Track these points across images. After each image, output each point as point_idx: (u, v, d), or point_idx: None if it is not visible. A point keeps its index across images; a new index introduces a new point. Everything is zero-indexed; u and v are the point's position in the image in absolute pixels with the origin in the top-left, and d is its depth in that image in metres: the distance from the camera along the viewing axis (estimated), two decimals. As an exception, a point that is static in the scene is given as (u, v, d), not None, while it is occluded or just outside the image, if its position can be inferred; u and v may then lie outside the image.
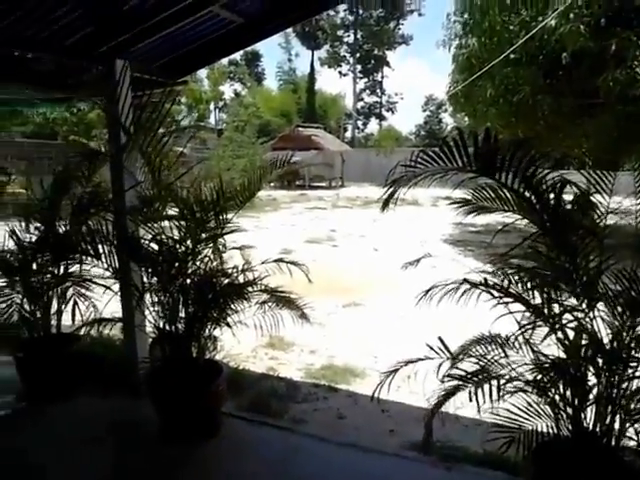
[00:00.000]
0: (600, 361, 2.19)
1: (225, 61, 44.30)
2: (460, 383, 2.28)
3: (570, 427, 2.32)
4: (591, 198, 2.27)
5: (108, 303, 3.84)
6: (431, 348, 2.51)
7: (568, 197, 2.21)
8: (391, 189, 2.14)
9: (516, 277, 2.43)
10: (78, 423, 3.56)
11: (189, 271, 3.35)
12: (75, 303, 4.04)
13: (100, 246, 3.42)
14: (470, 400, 2.16)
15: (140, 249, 3.34)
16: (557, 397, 2.29)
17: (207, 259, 3.38)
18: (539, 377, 2.29)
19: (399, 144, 34.24)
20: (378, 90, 52.11)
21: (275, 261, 3.55)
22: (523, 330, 2.34)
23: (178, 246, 3.31)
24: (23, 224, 3.99)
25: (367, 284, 7.65)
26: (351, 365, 4.60)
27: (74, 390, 3.86)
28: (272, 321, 3.46)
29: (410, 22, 59.36)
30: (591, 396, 2.27)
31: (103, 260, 3.43)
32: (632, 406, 2.17)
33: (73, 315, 3.97)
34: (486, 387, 2.23)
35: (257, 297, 3.41)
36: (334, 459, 3.12)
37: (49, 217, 3.99)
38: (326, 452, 3.19)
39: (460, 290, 2.55)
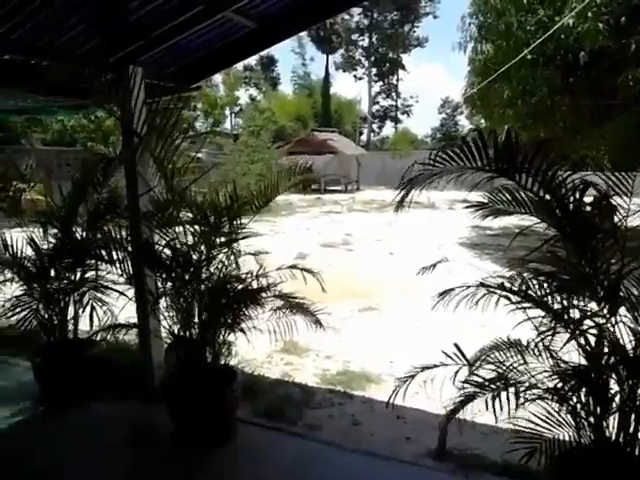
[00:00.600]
0: (623, 368, 2.12)
1: (240, 66, 44.69)
2: (477, 390, 2.23)
3: (592, 436, 2.25)
4: (611, 200, 2.21)
5: (124, 308, 3.88)
6: (447, 355, 2.46)
7: (587, 199, 2.15)
8: (406, 189, 2.11)
9: (535, 281, 2.37)
10: (94, 428, 3.58)
11: (203, 276, 3.35)
12: (92, 308, 4.07)
13: (115, 252, 3.45)
14: (487, 408, 2.11)
15: (154, 255, 3.36)
16: (578, 405, 2.22)
17: (221, 264, 3.38)
18: (559, 385, 2.22)
19: (415, 147, 34.01)
20: (393, 93, 51.96)
21: (289, 267, 3.53)
22: (543, 336, 2.27)
23: (192, 251, 3.32)
24: (41, 231, 4.05)
25: (383, 288, 7.59)
26: (367, 370, 4.55)
27: (90, 395, 3.89)
28: (287, 326, 3.45)
29: (425, 24, 59.22)
30: (614, 404, 2.19)
31: (117, 266, 3.45)
32: (657, 415, 2.09)
33: (91, 320, 4.01)
34: (504, 395, 2.18)
35: (271, 303, 3.40)
36: (349, 466, 3.08)
37: (66, 224, 4.04)
38: (341, 459, 3.15)
39: (477, 295, 2.51)
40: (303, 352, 5.06)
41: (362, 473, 3.02)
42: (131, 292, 3.69)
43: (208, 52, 3.98)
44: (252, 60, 47.85)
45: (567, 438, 2.31)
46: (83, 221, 4.06)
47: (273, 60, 49.88)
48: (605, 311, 2.13)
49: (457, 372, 2.41)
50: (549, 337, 2.30)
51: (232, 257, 3.42)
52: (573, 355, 2.26)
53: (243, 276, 3.35)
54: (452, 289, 2.70)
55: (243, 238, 3.40)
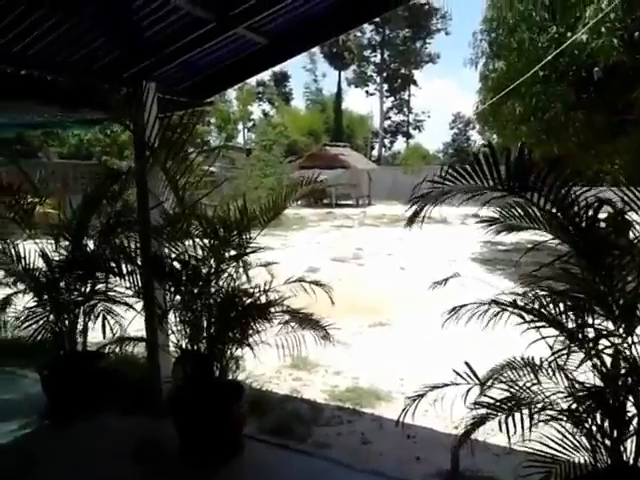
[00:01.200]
0: (640, 390, 2.05)
1: (253, 82, 45.32)
2: (489, 411, 2.17)
3: (609, 460, 2.17)
4: (626, 216, 2.16)
5: (132, 321, 3.88)
6: (458, 374, 2.41)
7: (601, 215, 2.10)
8: (416, 206, 2.08)
9: (548, 299, 2.32)
10: (100, 441, 3.56)
11: (212, 290, 3.34)
12: (104, 319, 4.08)
13: (124, 265, 3.46)
14: (500, 430, 2.05)
15: (163, 268, 3.36)
16: (594, 428, 2.15)
17: (230, 278, 3.37)
18: (574, 406, 2.15)
19: (426, 162, 33.94)
20: (405, 109, 52.18)
21: (298, 280, 3.51)
22: (556, 356, 2.22)
23: (201, 265, 3.31)
24: (53, 243, 4.08)
25: (393, 303, 7.52)
26: (376, 387, 4.48)
27: (98, 408, 3.88)
28: (296, 341, 3.42)
29: (437, 41, 59.58)
30: (631, 427, 2.12)
31: (127, 279, 3.46)
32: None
33: (103, 332, 4.02)
34: (517, 415, 2.11)
35: (280, 317, 3.37)
36: (358, 487, 3.01)
37: (78, 236, 4.07)
38: (349, 479, 3.08)
39: (489, 312, 2.46)
40: (312, 367, 5.00)
41: (371, 494, 2.96)
42: (140, 305, 3.69)
43: (220, 68, 4.03)
44: (265, 76, 48.52)
45: (583, 462, 2.24)
46: (95, 233, 4.09)
47: (286, 76, 50.48)
48: (621, 330, 2.06)
49: (468, 391, 2.35)
50: (563, 357, 2.24)
51: (241, 271, 3.42)
52: (588, 376, 2.20)
53: (252, 290, 3.34)
54: (463, 306, 2.65)
55: (252, 252, 3.39)
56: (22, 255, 4.05)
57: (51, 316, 3.83)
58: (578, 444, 2.24)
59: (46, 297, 3.88)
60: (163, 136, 3.32)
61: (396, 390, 4.40)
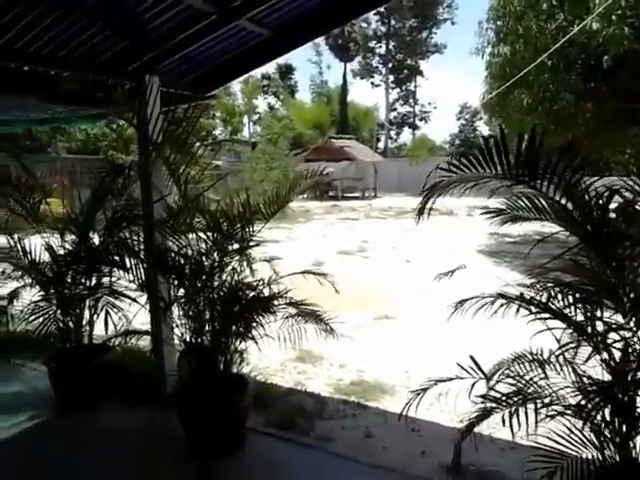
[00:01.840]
0: (651, 385, 2.01)
1: (259, 75, 45.21)
2: (494, 405, 2.13)
3: (617, 456, 2.13)
4: (637, 206, 2.10)
5: (137, 314, 3.88)
6: (462, 368, 2.37)
7: (611, 205, 2.05)
8: (428, 196, 2.05)
9: (556, 291, 2.27)
10: (105, 434, 3.57)
11: (215, 284, 3.32)
12: (107, 314, 4.09)
13: (128, 259, 3.45)
14: (504, 424, 2.01)
15: (167, 261, 3.34)
16: (602, 424, 2.11)
17: (234, 272, 3.36)
18: (582, 401, 2.11)
19: (433, 153, 33.77)
20: (411, 100, 51.81)
21: (302, 272, 3.49)
22: (564, 349, 2.18)
23: (205, 259, 3.29)
24: (59, 237, 4.08)
25: (399, 296, 7.48)
26: (381, 381, 4.46)
27: (104, 400, 3.89)
28: (300, 334, 3.40)
29: (443, 31, 58.99)
30: (641, 423, 2.08)
31: (131, 272, 3.45)
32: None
33: (106, 325, 4.03)
34: (523, 410, 2.08)
35: (284, 310, 3.35)
36: (361, 480, 3.00)
37: (84, 230, 4.07)
38: (352, 472, 3.07)
39: (495, 304, 2.42)
40: (317, 361, 4.99)
41: (376, 488, 2.94)
42: (144, 298, 3.68)
43: (223, 60, 3.98)
44: (270, 69, 48.33)
45: (590, 457, 2.20)
46: (100, 228, 4.09)
47: (291, 68, 50.22)
48: (632, 324, 2.02)
49: (473, 386, 2.32)
50: (571, 350, 2.20)
51: (245, 264, 3.39)
52: (597, 370, 2.15)
53: (255, 283, 3.31)
54: (469, 299, 2.62)
55: (256, 245, 3.37)
56: (29, 249, 4.07)
57: (57, 310, 3.83)
58: (586, 440, 2.20)
59: (52, 291, 3.89)
60: (166, 130, 3.29)
61: (401, 384, 4.38)
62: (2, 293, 4.50)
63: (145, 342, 3.97)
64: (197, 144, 3.79)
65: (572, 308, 2.20)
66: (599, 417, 2.10)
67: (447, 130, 74.19)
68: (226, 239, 3.27)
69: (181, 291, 3.32)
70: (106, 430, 3.63)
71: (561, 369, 2.30)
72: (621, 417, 2.08)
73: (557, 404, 2.18)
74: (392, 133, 52.16)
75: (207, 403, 3.21)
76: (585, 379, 2.17)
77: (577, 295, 2.20)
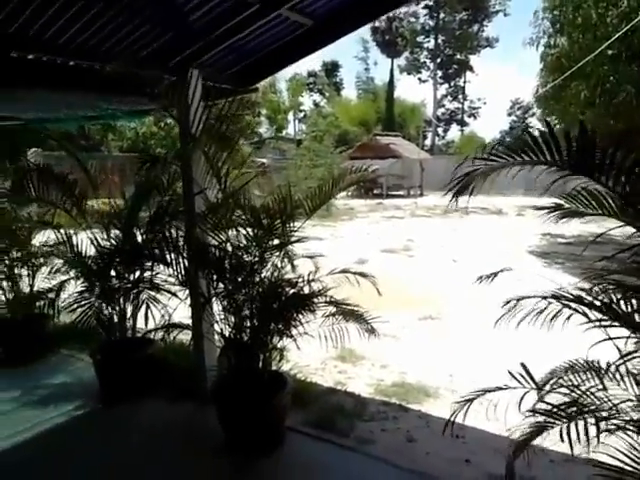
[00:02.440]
0: None
1: (304, 72, 45.40)
2: (548, 419, 1.97)
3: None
4: None
5: (177, 309, 3.92)
6: (513, 376, 2.21)
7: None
8: (461, 182, 1.91)
9: (618, 295, 2.07)
10: (146, 427, 3.62)
11: (255, 280, 3.29)
12: (147, 307, 4.16)
13: (168, 254, 3.47)
14: (562, 440, 1.85)
15: (207, 256, 3.34)
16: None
17: (274, 268, 3.31)
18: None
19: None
20: (460, 96, 50.60)
21: (342, 272, 3.40)
22: (626, 359, 1.98)
23: (244, 254, 3.27)
24: (104, 232, 4.18)
25: (445, 297, 7.25)
26: (424, 383, 4.31)
27: (146, 393, 3.96)
28: (341, 333, 3.31)
29: (495, 23, 57.09)
30: None
31: (172, 267, 3.47)
32: None
33: (146, 319, 4.10)
34: (580, 423, 1.91)
35: (324, 309, 3.28)
36: (402, 487, 2.88)
37: (128, 225, 4.15)
38: (392, 478, 2.95)
39: (548, 308, 2.24)
40: (358, 360, 4.89)
41: (416, 495, 2.82)
42: (185, 293, 3.71)
43: (265, 53, 3.94)
44: (316, 66, 48.49)
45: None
46: (143, 223, 4.16)
47: (337, 65, 50.19)
48: None
49: (523, 397, 2.16)
50: (634, 361, 2.00)
51: (285, 260, 3.34)
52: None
53: (295, 280, 3.25)
54: (519, 300, 2.44)
55: (297, 241, 3.31)
56: (75, 244, 4.20)
57: (100, 302, 3.93)
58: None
59: (97, 283, 3.99)
60: (207, 123, 3.28)
61: (445, 387, 4.21)
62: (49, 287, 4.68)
63: (188, 336, 4.00)
64: (242, 141, 3.77)
65: (638, 314, 2.00)
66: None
67: (497, 127, 71.92)
68: (266, 234, 3.23)
69: (220, 286, 3.31)
70: (147, 423, 3.68)
71: (622, 380, 2.10)
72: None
73: (616, 418, 1.99)
74: (439, 130, 51.13)
75: (245, 400, 3.18)
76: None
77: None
